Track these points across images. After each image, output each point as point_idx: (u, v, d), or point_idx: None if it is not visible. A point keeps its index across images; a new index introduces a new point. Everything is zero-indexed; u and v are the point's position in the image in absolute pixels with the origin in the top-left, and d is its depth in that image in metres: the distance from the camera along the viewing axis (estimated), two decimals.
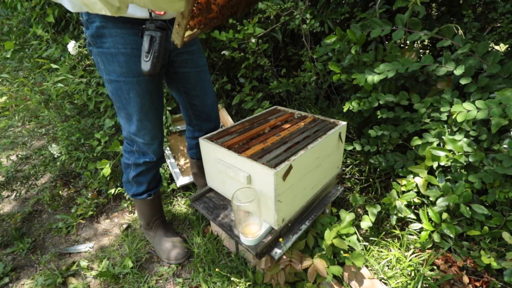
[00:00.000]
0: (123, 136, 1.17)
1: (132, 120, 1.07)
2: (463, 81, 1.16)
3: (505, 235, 1.08)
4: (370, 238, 1.34)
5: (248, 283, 1.16)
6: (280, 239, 1.08)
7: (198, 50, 1.19)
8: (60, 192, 1.96)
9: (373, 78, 1.29)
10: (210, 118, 1.35)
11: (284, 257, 1.09)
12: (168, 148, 1.86)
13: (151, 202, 1.34)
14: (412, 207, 1.34)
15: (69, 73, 1.65)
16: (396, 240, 1.33)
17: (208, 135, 1.24)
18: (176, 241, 1.39)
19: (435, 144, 1.23)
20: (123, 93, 1.01)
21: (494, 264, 1.06)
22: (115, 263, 1.40)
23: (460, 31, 1.20)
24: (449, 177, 1.21)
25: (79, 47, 1.64)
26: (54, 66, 1.65)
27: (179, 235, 1.51)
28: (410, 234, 1.30)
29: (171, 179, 1.85)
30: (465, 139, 1.14)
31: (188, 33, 0.78)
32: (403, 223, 1.38)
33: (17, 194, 1.89)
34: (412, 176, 1.29)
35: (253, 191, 1.02)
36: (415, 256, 1.22)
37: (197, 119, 1.35)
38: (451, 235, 1.12)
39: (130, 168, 1.23)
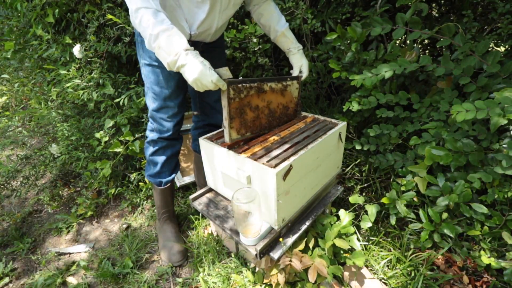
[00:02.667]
0: (148, 115, 1.34)
1: (157, 99, 1.24)
2: (462, 81, 1.16)
3: (505, 235, 1.08)
4: (370, 238, 1.34)
5: (248, 283, 1.16)
6: (280, 239, 1.08)
7: (220, 50, 1.40)
8: (60, 192, 1.96)
9: (370, 79, 1.30)
10: (213, 112, 1.47)
11: (284, 257, 1.09)
12: None
13: (161, 192, 1.42)
14: (412, 207, 1.35)
15: (76, 78, 1.65)
16: (396, 240, 1.33)
17: (208, 135, 1.24)
18: (176, 242, 1.39)
19: (434, 144, 1.23)
20: (154, 75, 1.20)
21: (494, 264, 1.06)
22: (115, 263, 1.40)
23: (461, 30, 1.20)
24: (448, 176, 1.21)
25: (85, 50, 1.65)
26: (62, 71, 1.66)
27: (182, 233, 1.51)
28: (410, 234, 1.30)
29: None
30: (464, 139, 1.14)
31: (236, 136, 1.09)
32: (403, 223, 1.38)
33: (17, 194, 1.89)
34: (411, 175, 1.29)
35: (253, 191, 1.02)
36: (415, 256, 1.22)
37: (202, 110, 1.49)
38: (451, 235, 1.12)
39: (149, 146, 1.37)
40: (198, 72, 0.90)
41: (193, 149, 1.62)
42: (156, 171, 1.38)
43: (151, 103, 1.27)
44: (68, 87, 1.64)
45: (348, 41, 1.44)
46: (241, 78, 1.31)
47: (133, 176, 1.82)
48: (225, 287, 1.18)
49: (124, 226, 1.64)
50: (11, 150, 2.38)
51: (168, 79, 1.20)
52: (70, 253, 1.52)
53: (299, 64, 1.34)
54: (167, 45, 0.90)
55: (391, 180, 1.47)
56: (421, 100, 1.33)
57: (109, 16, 1.56)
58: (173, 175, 1.43)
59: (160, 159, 1.36)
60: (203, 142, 1.20)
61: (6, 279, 1.38)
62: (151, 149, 1.36)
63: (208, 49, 1.29)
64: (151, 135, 1.34)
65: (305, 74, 1.34)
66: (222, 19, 1.17)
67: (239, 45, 1.86)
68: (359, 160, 1.66)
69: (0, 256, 1.52)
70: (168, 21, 0.92)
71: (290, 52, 1.35)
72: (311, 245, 1.20)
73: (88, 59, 1.73)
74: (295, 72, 1.35)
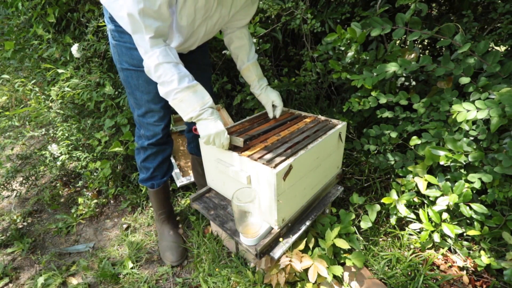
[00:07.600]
0: (134, 119, 1.30)
1: (141, 104, 1.20)
2: (462, 81, 1.16)
3: (505, 235, 1.08)
4: (370, 238, 1.34)
5: (248, 283, 1.16)
6: (280, 239, 1.08)
7: (204, 50, 1.36)
8: (60, 192, 1.96)
9: (371, 79, 1.29)
10: None
11: (284, 257, 1.09)
12: None
13: (155, 194, 1.40)
14: (412, 207, 1.34)
15: (75, 78, 1.65)
16: (396, 240, 1.33)
17: None
18: (175, 242, 1.39)
19: (434, 144, 1.23)
20: (133, 79, 1.15)
21: (494, 264, 1.06)
22: (115, 263, 1.40)
23: (461, 30, 1.20)
24: (448, 176, 1.21)
25: (83, 49, 1.64)
26: (60, 70, 1.66)
27: (182, 234, 1.51)
28: (410, 234, 1.30)
29: (171, 180, 1.85)
30: (464, 139, 1.14)
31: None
32: (403, 223, 1.38)
33: (17, 194, 1.88)
34: (411, 175, 1.29)
35: (253, 191, 1.02)
36: (415, 256, 1.22)
37: None
38: (451, 235, 1.12)
39: (139, 153, 1.33)
40: (218, 130, 0.99)
41: (189, 152, 1.60)
42: (148, 176, 1.35)
43: (136, 109, 1.23)
44: (67, 86, 1.64)
45: (348, 42, 1.44)
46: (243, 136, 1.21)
47: (133, 176, 1.82)
48: (225, 287, 1.18)
49: (124, 226, 1.64)
50: (11, 150, 2.38)
51: (148, 82, 1.14)
52: (70, 253, 1.52)
53: (269, 101, 1.32)
54: (193, 100, 0.95)
55: (391, 180, 1.47)
56: (421, 100, 1.33)
57: (102, 24, 1.57)
58: (165, 178, 1.40)
59: (152, 165, 1.33)
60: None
61: (6, 279, 1.38)
62: (141, 156, 1.32)
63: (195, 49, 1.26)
64: (140, 142, 1.30)
65: (280, 106, 1.32)
66: (204, 39, 1.15)
67: None
68: (359, 160, 1.66)
69: (0, 256, 1.52)
70: (189, 73, 0.97)
71: (256, 94, 1.34)
72: (311, 245, 1.20)
73: (87, 59, 1.72)
74: (268, 111, 1.34)
